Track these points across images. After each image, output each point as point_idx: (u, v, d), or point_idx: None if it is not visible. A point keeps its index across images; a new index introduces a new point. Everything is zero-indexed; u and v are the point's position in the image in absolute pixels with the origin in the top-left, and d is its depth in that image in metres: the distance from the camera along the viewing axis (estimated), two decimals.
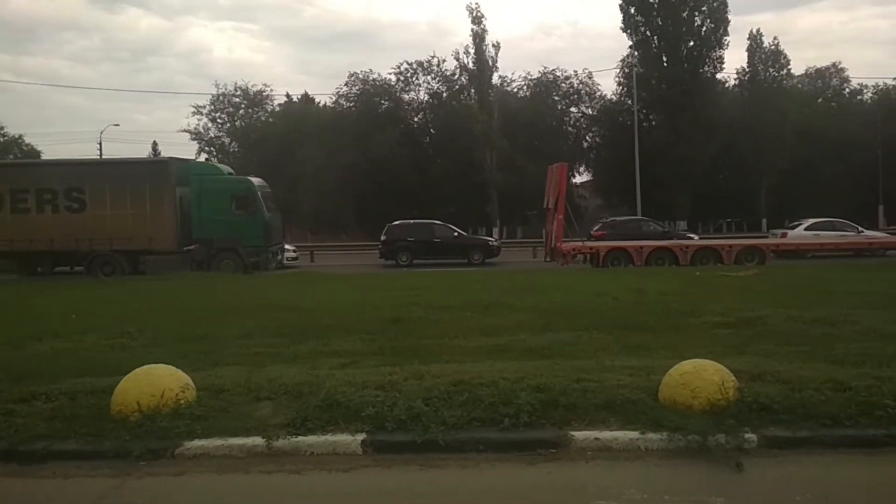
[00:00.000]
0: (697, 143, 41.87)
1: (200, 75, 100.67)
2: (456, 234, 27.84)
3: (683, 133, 41.34)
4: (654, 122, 44.63)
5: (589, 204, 53.19)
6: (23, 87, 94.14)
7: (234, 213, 21.60)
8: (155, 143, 57.99)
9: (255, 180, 22.86)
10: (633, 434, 4.59)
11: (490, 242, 29.24)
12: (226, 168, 23.84)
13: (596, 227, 29.03)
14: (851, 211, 39.28)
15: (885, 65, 76.87)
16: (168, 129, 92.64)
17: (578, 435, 4.59)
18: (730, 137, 43.63)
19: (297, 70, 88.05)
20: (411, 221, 28.63)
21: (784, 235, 27.44)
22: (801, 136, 43.96)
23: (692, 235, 30.32)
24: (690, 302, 11.69)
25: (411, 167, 44.98)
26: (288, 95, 53.11)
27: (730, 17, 42.12)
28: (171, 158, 23.27)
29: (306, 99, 53.79)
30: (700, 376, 5.01)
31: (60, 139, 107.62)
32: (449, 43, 77.85)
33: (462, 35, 78.07)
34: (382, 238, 27.57)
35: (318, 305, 12.56)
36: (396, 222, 28.26)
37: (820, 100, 49.72)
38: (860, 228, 27.34)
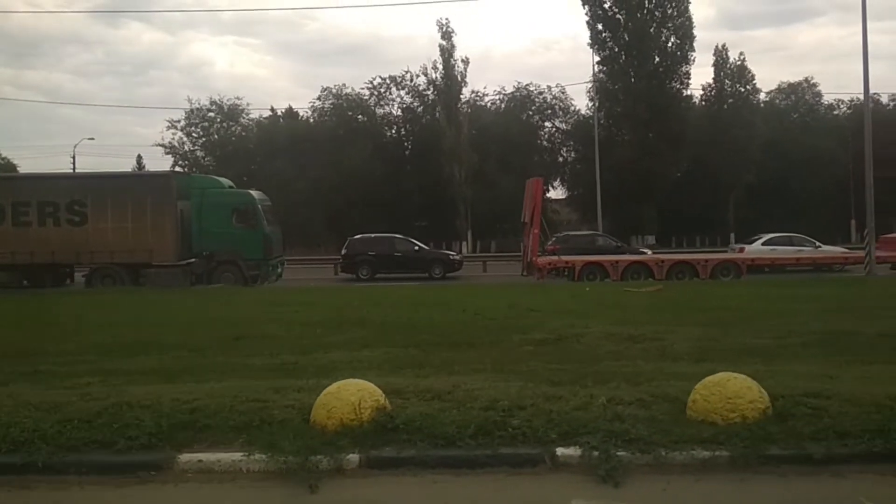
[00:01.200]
0: (665, 158, 42.05)
1: (203, 89, 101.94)
2: (417, 248, 27.84)
3: (650, 148, 41.49)
4: (626, 137, 44.64)
5: (569, 218, 53.28)
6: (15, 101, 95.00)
7: (235, 226, 21.69)
8: (140, 157, 58.33)
9: (256, 193, 22.94)
10: (238, 455, 4.64)
11: (451, 256, 29.27)
12: (226, 181, 23.91)
13: (550, 242, 29.10)
14: (824, 226, 39.29)
15: (885, 79, 77.08)
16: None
17: (183, 457, 4.66)
18: (698, 152, 43.73)
19: (299, 84, 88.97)
20: (372, 235, 28.69)
21: (742, 250, 27.43)
22: (772, 150, 44.00)
23: (645, 251, 30.31)
24: (542, 318, 11.74)
25: (384, 181, 45.17)
26: (272, 109, 53.72)
27: (695, 32, 42.45)
28: (172, 172, 23.47)
29: (290, 113, 54.26)
30: (338, 396, 5.07)
31: (46, 152, 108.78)
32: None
33: (461, 49, 78.70)
34: (343, 252, 27.63)
35: (185, 321, 12.68)
36: (357, 236, 28.34)
37: (796, 115, 49.66)
38: (817, 243, 27.29)
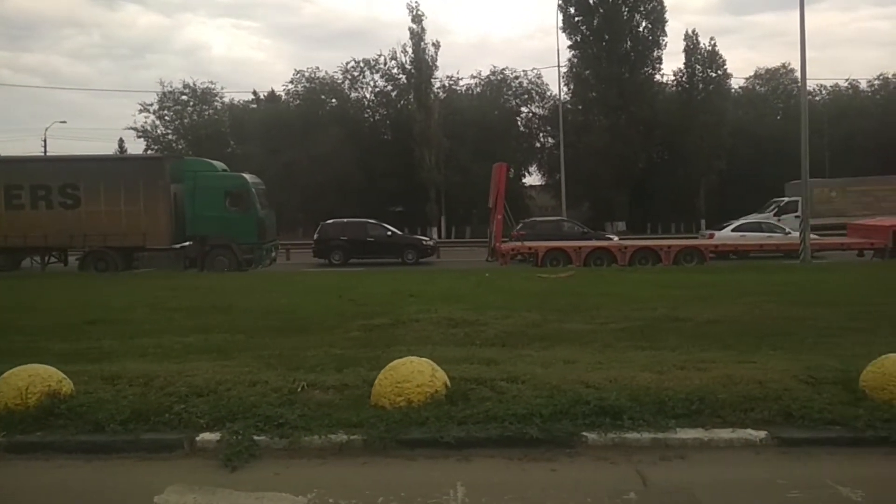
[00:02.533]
0: (635, 143, 41.77)
1: (200, 72, 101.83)
2: (390, 233, 27.62)
3: (621, 133, 41.22)
4: (598, 123, 44.30)
5: (550, 204, 53.03)
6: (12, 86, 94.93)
7: (229, 209, 21.48)
8: (121, 141, 58.12)
9: (249, 177, 22.73)
10: None
11: (424, 242, 29.08)
12: (220, 164, 23.67)
13: (517, 228, 29.12)
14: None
15: (885, 65, 76.22)
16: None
17: None
18: (670, 138, 43.48)
19: (296, 68, 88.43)
20: (345, 220, 28.39)
21: (712, 236, 27.36)
22: (746, 137, 43.61)
23: (611, 236, 30.18)
24: (408, 304, 11.72)
25: (357, 165, 45.02)
26: (255, 93, 53.38)
27: (667, 17, 42.06)
28: (165, 155, 23.31)
29: (272, 97, 54.02)
30: (8, 381, 5.10)
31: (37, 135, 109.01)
32: (446, 41, 77.98)
33: (457, 33, 77.51)
34: (315, 237, 27.45)
35: (63, 305, 12.71)
36: (330, 221, 28.15)
37: (777, 102, 49.21)
38: (787, 230, 27.21)
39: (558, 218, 35.09)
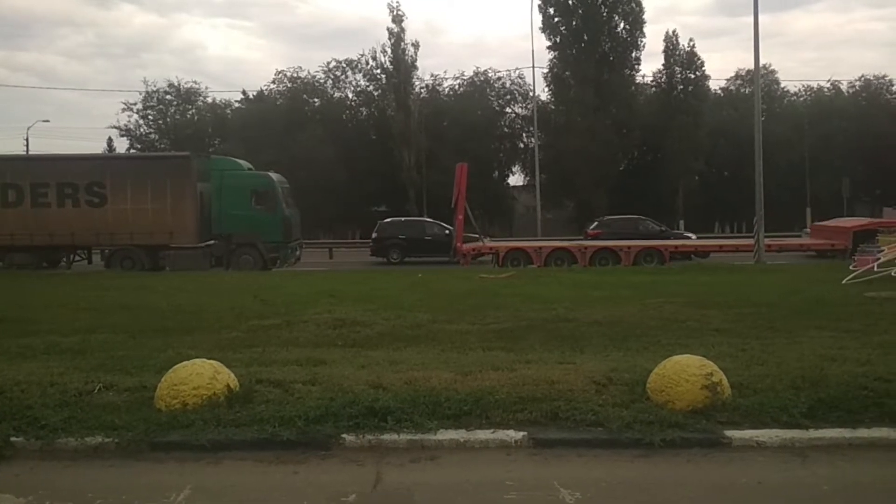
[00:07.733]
0: (613, 144, 41.68)
1: (195, 72, 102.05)
2: (447, 231, 27.70)
3: (600, 133, 41.09)
4: (578, 123, 44.23)
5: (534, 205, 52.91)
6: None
7: (254, 208, 21.67)
8: (110, 140, 58.08)
9: (275, 176, 22.86)
10: None
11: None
12: (245, 164, 23.68)
13: (592, 226, 28.97)
14: (779, 213, 38.89)
15: (880, 66, 76.05)
16: None
17: None
18: (649, 139, 43.39)
19: (277, 68, 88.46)
20: (402, 219, 28.87)
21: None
22: (728, 137, 43.51)
23: (689, 235, 29.91)
24: (317, 303, 11.73)
25: (339, 164, 44.97)
26: (244, 92, 53.38)
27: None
28: (192, 153, 23.45)
29: (260, 96, 53.96)
30: None
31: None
32: (443, 41, 77.88)
33: (453, 34, 77.19)
34: (374, 235, 27.65)
35: None
36: (388, 220, 28.41)
37: (762, 105, 48.97)
38: None
39: (636, 216, 33.77)
